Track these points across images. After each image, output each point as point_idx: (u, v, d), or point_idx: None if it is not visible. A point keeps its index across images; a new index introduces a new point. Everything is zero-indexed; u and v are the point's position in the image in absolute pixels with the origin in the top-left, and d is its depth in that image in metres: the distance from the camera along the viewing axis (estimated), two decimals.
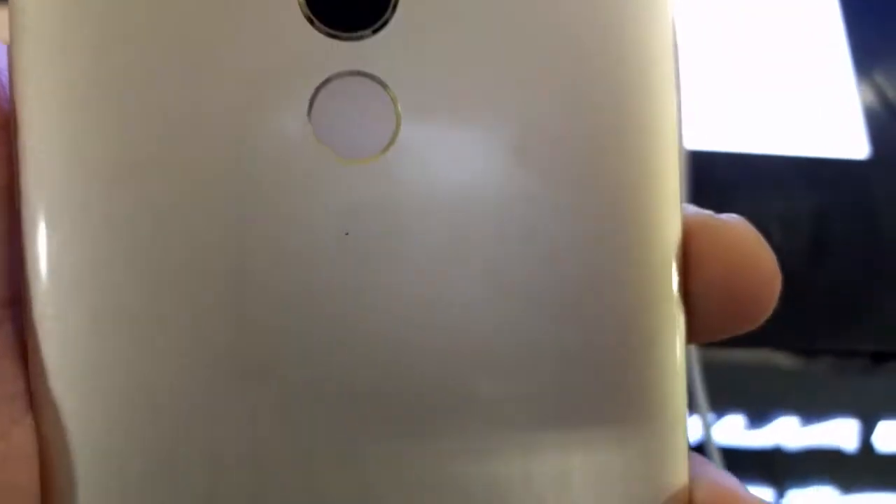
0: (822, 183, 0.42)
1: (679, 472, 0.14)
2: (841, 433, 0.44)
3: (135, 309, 0.13)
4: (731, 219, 0.14)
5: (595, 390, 0.14)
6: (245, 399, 0.13)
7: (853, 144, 0.44)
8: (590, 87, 0.14)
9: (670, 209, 0.14)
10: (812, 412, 0.42)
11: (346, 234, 0.13)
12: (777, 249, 0.14)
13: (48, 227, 0.13)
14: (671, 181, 0.14)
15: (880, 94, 0.45)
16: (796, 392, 0.42)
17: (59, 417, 0.13)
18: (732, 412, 0.41)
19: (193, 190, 0.13)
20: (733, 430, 0.42)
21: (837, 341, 0.40)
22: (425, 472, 0.13)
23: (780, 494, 0.46)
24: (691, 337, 0.14)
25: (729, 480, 0.14)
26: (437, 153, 0.14)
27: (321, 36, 0.13)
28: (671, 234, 0.14)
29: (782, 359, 0.40)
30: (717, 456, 0.39)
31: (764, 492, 0.45)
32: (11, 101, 0.13)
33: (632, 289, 0.14)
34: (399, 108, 0.13)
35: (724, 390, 0.40)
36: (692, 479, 0.14)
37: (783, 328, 0.40)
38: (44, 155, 0.13)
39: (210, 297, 0.13)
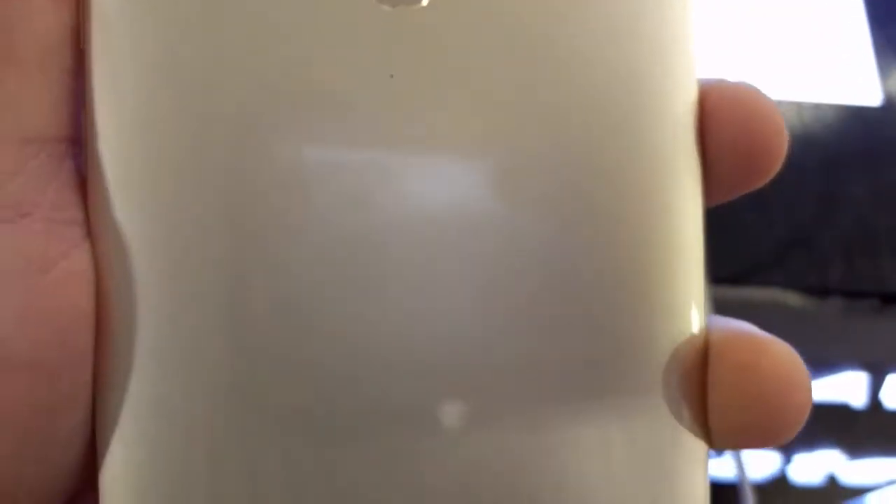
0: (835, 129, 0.43)
1: (694, 318, 0.14)
2: (849, 387, 0.45)
3: (191, 143, 0.13)
4: (741, 81, 0.15)
5: (613, 264, 0.14)
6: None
7: (866, 91, 0.44)
8: None
9: (686, 74, 0.15)
10: (822, 356, 0.42)
11: (392, 76, 0.14)
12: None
13: (110, 67, 0.14)
14: (687, 52, 0.15)
15: (894, 40, 0.45)
16: (806, 334, 0.42)
17: (114, 244, 0.14)
18: None
19: (241, 33, 0.14)
20: None
21: (848, 282, 0.40)
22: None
23: (787, 459, 0.46)
24: (707, 198, 0.15)
25: (744, 324, 0.15)
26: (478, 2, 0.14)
27: None
28: (687, 96, 0.14)
29: (793, 298, 0.40)
30: None
31: (770, 455, 0.45)
32: None
33: (651, 150, 0.14)
34: None
35: None
36: (708, 324, 0.15)
37: (795, 268, 0.41)
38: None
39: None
